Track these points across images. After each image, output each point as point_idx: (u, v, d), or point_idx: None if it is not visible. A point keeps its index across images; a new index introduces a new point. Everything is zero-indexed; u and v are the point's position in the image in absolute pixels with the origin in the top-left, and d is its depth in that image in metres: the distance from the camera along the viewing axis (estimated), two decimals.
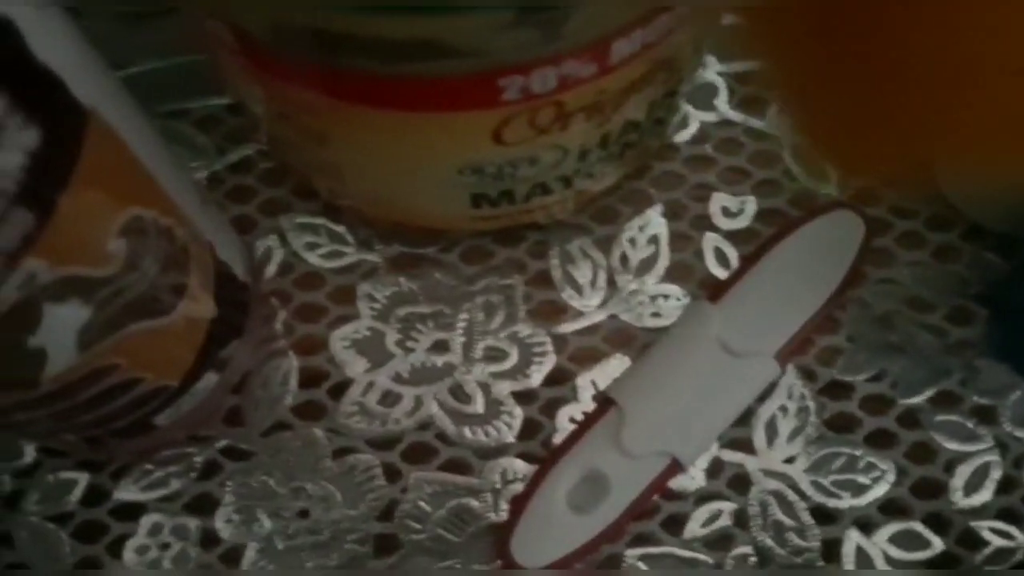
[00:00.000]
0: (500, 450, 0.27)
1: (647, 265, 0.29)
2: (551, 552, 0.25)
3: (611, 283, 0.29)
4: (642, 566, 0.26)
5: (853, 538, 0.26)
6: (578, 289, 0.29)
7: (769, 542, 0.26)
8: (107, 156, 0.17)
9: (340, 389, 0.28)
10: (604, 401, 0.27)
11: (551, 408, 0.28)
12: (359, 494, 0.27)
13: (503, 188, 0.24)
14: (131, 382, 0.21)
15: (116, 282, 0.18)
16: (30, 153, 0.14)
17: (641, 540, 0.26)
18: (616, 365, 0.28)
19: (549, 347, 0.28)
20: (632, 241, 0.29)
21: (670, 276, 0.29)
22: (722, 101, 0.31)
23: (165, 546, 0.26)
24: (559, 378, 0.28)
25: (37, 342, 0.17)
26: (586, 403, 0.28)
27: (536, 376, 0.28)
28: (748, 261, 0.28)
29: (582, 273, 0.29)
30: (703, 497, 0.27)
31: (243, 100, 0.26)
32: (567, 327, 0.28)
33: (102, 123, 0.17)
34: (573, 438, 0.27)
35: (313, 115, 0.22)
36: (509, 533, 0.26)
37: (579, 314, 0.28)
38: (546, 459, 0.27)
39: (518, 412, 0.27)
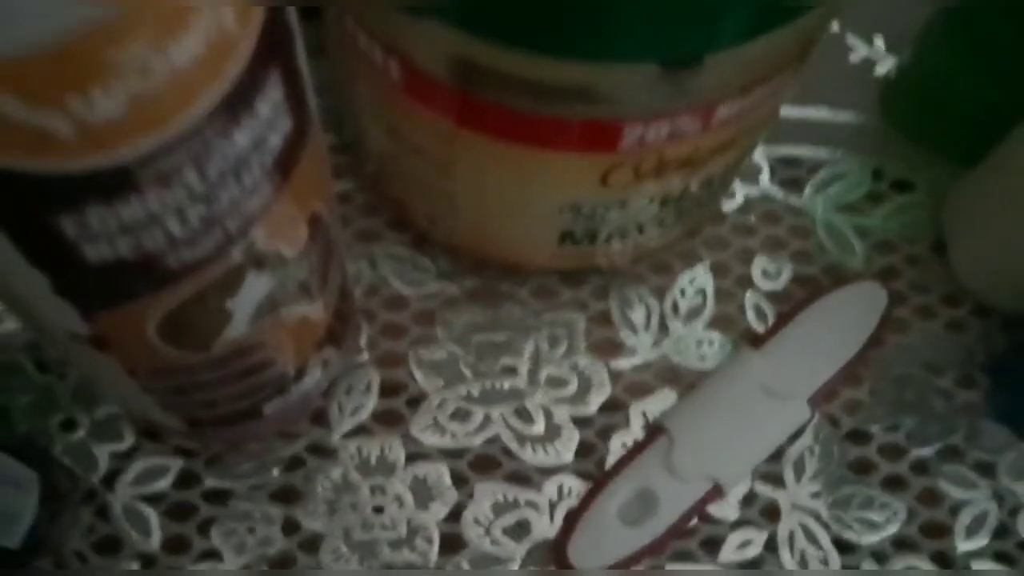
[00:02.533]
0: (558, 468, 0.30)
1: (695, 313, 0.33)
2: (601, 560, 0.28)
3: (663, 327, 0.32)
4: None
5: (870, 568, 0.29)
6: (633, 329, 0.32)
7: (795, 568, 0.29)
8: (315, 152, 0.20)
9: (416, 402, 0.31)
10: (656, 428, 0.30)
11: (605, 433, 0.31)
12: (429, 497, 0.29)
13: (589, 228, 0.28)
14: (266, 362, 0.24)
15: (293, 264, 0.21)
16: (284, 136, 0.18)
17: (681, 557, 0.29)
18: (664, 398, 0.31)
19: (606, 379, 0.31)
20: (682, 291, 0.33)
21: (715, 325, 0.32)
22: (764, 178, 0.35)
23: (251, 530, 0.28)
24: (613, 406, 0.31)
25: (231, 305, 0.20)
26: (636, 430, 0.31)
27: (593, 404, 0.31)
28: (785, 317, 0.32)
29: (637, 315, 0.32)
30: (737, 523, 0.30)
31: (364, 137, 0.29)
32: (622, 362, 0.32)
33: (315, 127, 0.20)
34: (626, 459, 0.30)
35: (446, 145, 0.25)
36: (566, 540, 0.28)
37: (633, 351, 0.32)
38: (600, 477, 0.29)
39: (575, 435, 0.30)
